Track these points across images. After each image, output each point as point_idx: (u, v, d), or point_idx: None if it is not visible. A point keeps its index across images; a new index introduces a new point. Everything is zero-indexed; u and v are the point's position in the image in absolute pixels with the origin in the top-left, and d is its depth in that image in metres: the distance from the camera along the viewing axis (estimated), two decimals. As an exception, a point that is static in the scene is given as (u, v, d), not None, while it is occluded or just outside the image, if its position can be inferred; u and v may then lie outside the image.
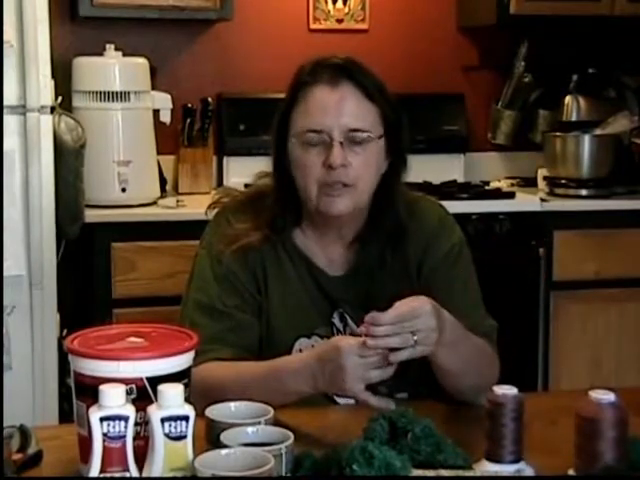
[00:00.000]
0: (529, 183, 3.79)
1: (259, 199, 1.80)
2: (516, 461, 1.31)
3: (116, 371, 1.28)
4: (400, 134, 1.76)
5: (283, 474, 1.25)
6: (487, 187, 3.70)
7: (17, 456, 1.35)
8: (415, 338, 1.48)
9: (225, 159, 3.66)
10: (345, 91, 1.69)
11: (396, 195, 1.78)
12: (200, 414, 1.29)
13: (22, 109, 2.80)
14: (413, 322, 1.48)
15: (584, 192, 3.58)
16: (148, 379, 1.28)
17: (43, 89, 2.82)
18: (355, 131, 1.69)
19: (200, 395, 1.38)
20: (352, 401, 1.66)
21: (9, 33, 2.75)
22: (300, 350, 1.73)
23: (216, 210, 1.84)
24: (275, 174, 1.78)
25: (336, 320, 1.77)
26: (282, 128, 1.74)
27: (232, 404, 1.42)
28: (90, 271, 3.15)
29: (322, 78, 1.70)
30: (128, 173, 3.22)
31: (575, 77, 3.79)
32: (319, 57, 1.74)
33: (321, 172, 1.69)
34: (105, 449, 1.19)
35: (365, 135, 1.69)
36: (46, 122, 2.83)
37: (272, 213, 1.76)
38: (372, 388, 1.69)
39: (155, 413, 1.21)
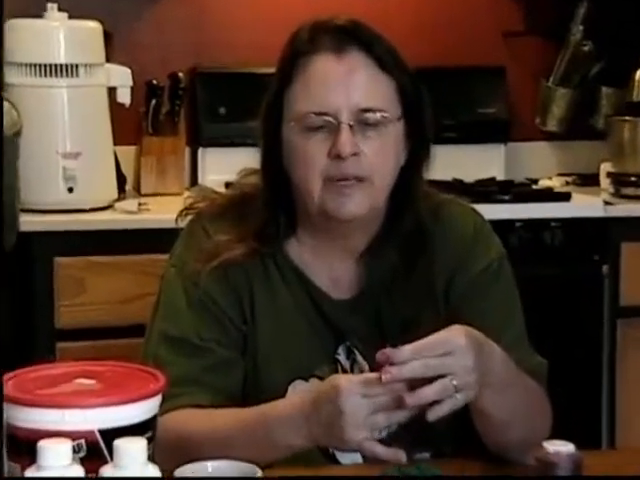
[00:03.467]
0: (589, 181, 3.80)
1: (244, 203, 1.80)
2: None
3: (60, 421, 1.28)
4: (422, 114, 1.77)
5: None
6: (535, 186, 3.71)
7: None
8: (455, 383, 1.47)
9: (200, 151, 3.68)
10: (354, 61, 1.70)
11: (417, 193, 1.78)
12: (169, 475, 1.29)
13: (-59, 87, 2.82)
14: (445, 360, 1.48)
15: (659, 193, 3.59)
16: (101, 432, 1.28)
17: (-32, 61, 2.83)
18: (368, 111, 1.69)
19: (168, 451, 1.38)
20: (359, 459, 1.66)
21: None
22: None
23: (189, 217, 1.85)
24: (265, 169, 1.78)
25: (342, 357, 1.77)
26: (274, 111, 1.74)
27: (209, 463, 1.42)
28: (28, 293, 3.15)
29: (324, 45, 1.71)
30: (76, 168, 3.23)
31: (647, 46, 3.81)
32: (317, 19, 1.75)
33: (326, 164, 1.69)
34: (46, 523, 1.19)
35: (380, 116, 1.70)
36: (-29, 104, 2.85)
37: (260, 219, 1.77)
38: (386, 445, 1.69)
39: (110, 475, 1.21)
